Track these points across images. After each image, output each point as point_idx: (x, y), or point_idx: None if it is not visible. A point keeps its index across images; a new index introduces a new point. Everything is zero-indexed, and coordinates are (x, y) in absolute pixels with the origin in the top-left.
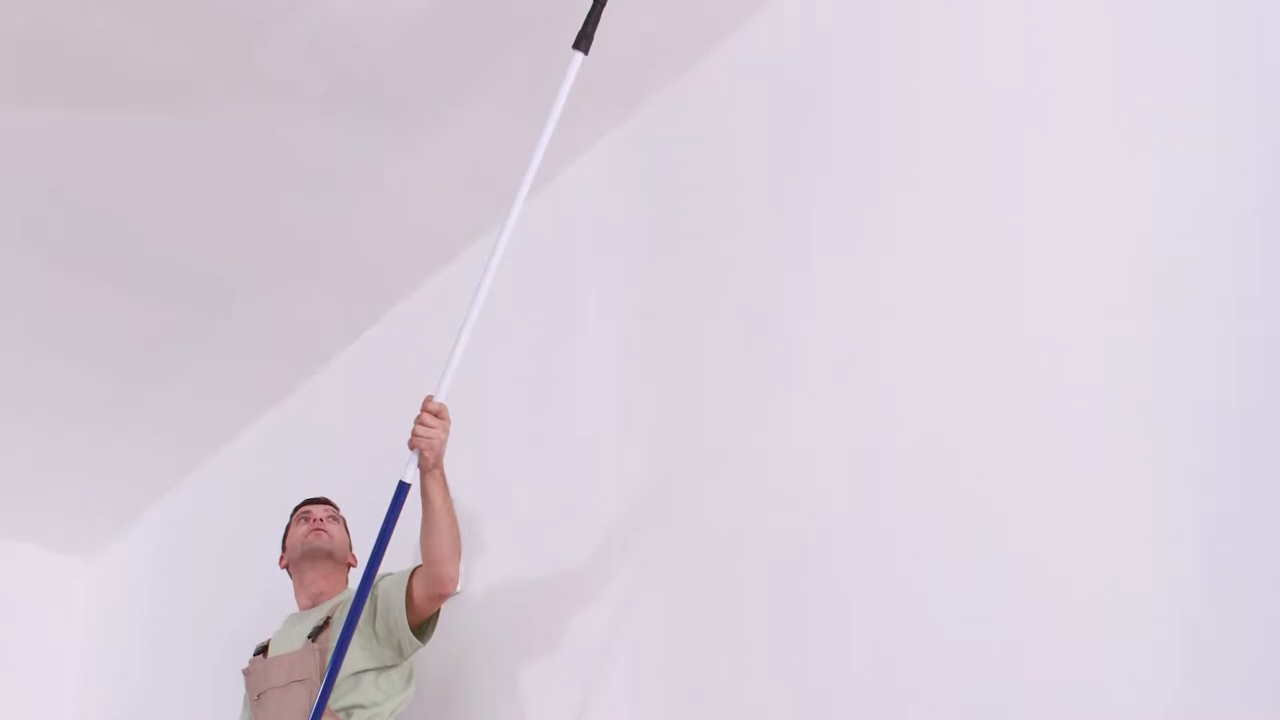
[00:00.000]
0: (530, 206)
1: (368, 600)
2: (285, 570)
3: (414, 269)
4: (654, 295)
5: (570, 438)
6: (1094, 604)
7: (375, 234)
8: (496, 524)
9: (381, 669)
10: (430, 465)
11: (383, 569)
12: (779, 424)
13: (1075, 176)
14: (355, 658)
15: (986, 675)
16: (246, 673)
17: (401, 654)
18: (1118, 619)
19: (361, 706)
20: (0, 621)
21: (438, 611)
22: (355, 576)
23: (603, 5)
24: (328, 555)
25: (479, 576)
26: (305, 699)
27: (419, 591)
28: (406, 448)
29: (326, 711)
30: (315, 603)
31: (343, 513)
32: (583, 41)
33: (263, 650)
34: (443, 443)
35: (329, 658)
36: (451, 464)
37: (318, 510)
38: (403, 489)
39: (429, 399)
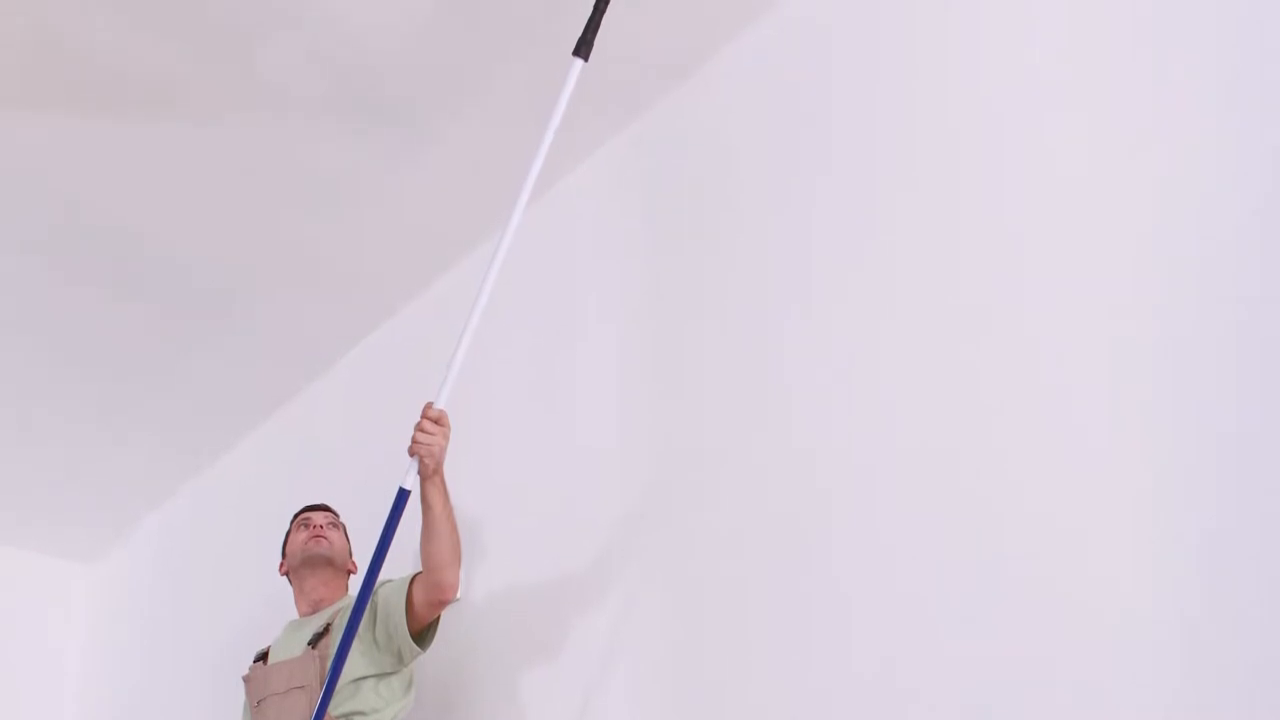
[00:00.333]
0: (530, 213)
1: (368, 607)
2: (285, 577)
3: (414, 276)
4: (654, 301)
5: (570, 444)
6: (1094, 604)
7: (375, 241)
8: (497, 530)
9: (381, 676)
10: (430, 472)
11: (383, 576)
12: (779, 429)
13: (1075, 179)
14: (355, 664)
15: (986, 676)
16: (246, 679)
17: (401, 661)
18: (1118, 619)
19: (361, 713)
20: (1, 627)
21: (438, 618)
22: (355, 583)
23: (603, 12)
24: (328, 562)
25: (479, 583)
26: (305, 706)
27: (419, 598)
28: (406, 454)
29: (327, 718)
30: (315, 609)
31: (343, 519)
32: (583, 48)
33: (263, 657)
34: (443, 449)
35: (329, 664)
36: (451, 470)
37: (318, 517)
38: (403, 496)
39: (429, 406)
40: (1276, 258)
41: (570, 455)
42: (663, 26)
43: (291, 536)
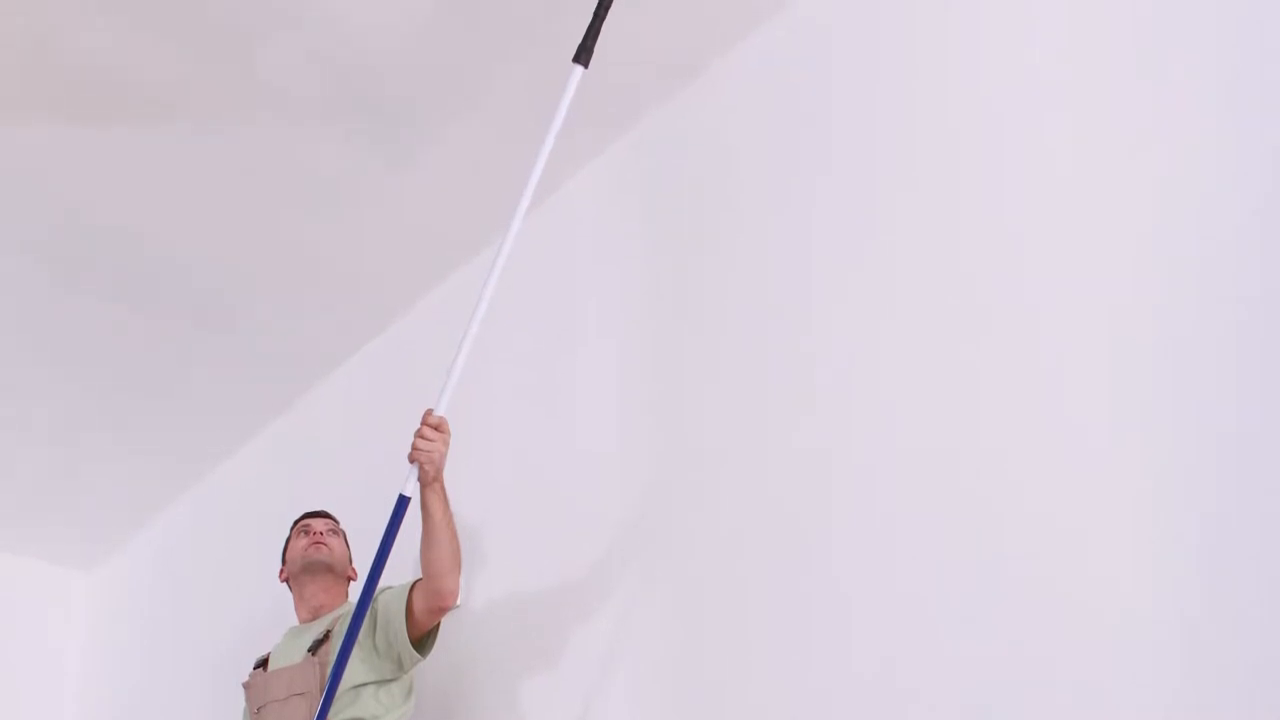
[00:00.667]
0: (530, 219)
1: (368, 614)
2: (285, 584)
3: (414, 282)
4: (654, 306)
5: (570, 450)
6: (1094, 604)
7: (375, 247)
8: (497, 537)
9: (381, 682)
10: (430, 478)
11: (383, 582)
12: (778, 432)
13: (1075, 179)
14: (355, 671)
15: (986, 676)
16: (246, 686)
17: (401, 667)
18: (1118, 619)
19: None
20: (1, 634)
21: (438, 625)
22: (355, 590)
23: (603, 19)
24: (328, 569)
25: (479, 589)
26: (305, 712)
27: (419, 605)
28: (406, 461)
29: None
30: (315, 616)
31: (343, 526)
32: (583, 55)
33: (263, 664)
34: (443, 456)
35: (329, 671)
36: (452, 477)
37: (318, 524)
38: (403, 502)
39: (429, 412)
40: (1276, 258)
41: (570, 460)
42: (663, 32)
43: (291, 543)
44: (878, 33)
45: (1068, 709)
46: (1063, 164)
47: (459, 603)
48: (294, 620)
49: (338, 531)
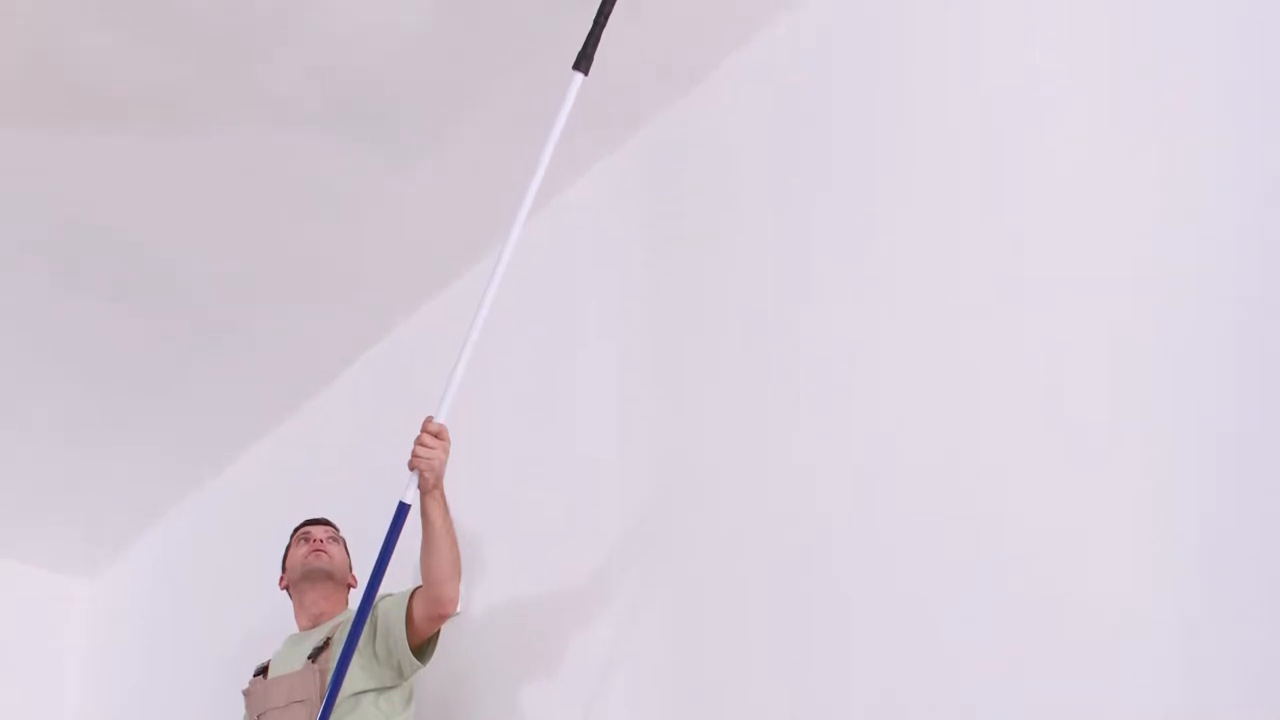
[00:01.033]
0: (531, 226)
1: (368, 621)
2: (285, 591)
3: (414, 289)
4: (654, 313)
5: (570, 457)
6: (1094, 607)
7: (376, 254)
8: (497, 544)
9: (381, 690)
10: (430, 486)
11: (383, 589)
12: (779, 439)
13: (1075, 186)
14: (355, 678)
15: (987, 681)
16: (246, 693)
17: (401, 675)
18: (1118, 622)
19: None
20: (1, 641)
21: (438, 632)
22: (355, 597)
23: (603, 26)
24: (328, 576)
25: (479, 597)
26: (305, 719)
27: (419, 612)
28: (406, 468)
29: None
30: (315, 623)
31: (343, 533)
32: (583, 62)
33: (263, 671)
34: (443, 463)
35: (329, 678)
36: (452, 484)
37: (318, 531)
38: (403, 510)
39: (429, 419)
40: (1276, 259)
41: (570, 467)
42: (662, 40)
43: (291, 550)
44: (877, 39)
45: (1068, 712)
46: (1062, 171)
47: (459, 610)
48: (294, 627)
49: (338, 539)
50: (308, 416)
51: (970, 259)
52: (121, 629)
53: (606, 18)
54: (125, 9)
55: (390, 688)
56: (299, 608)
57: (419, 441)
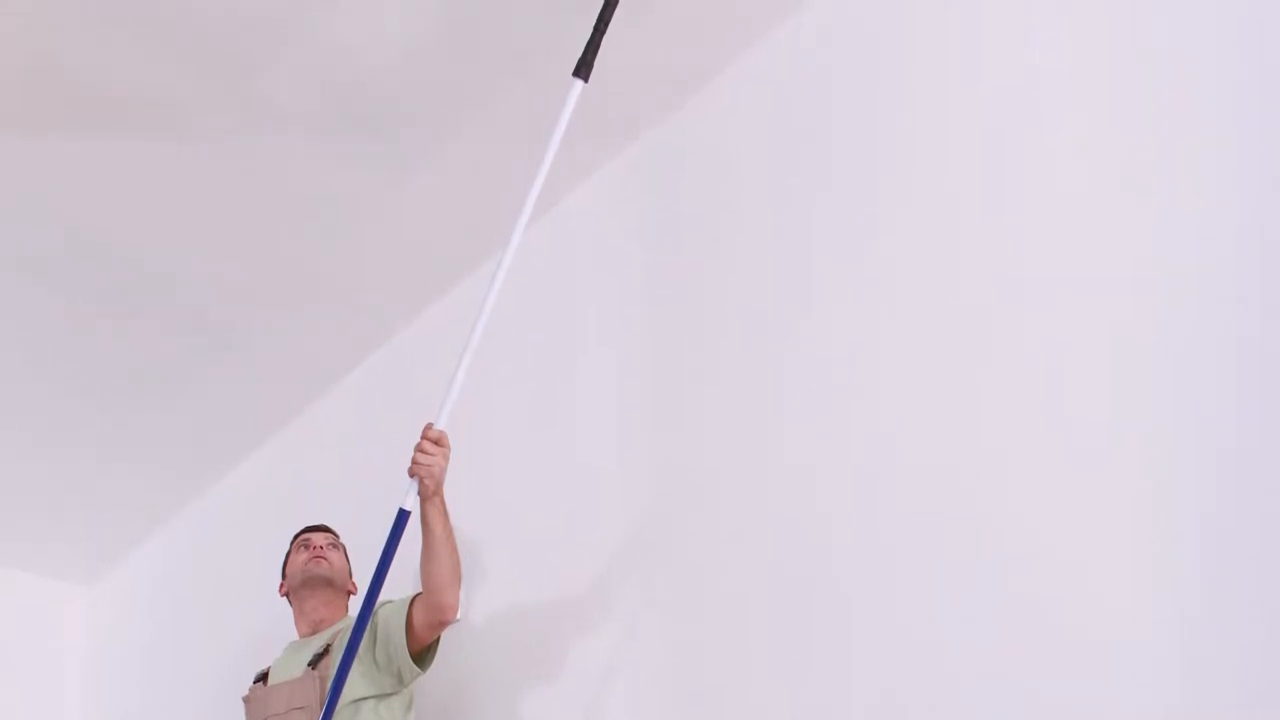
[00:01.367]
0: (530, 234)
1: (368, 628)
2: (285, 598)
3: (414, 296)
4: (654, 321)
5: (570, 464)
6: (1094, 614)
7: (375, 261)
8: (497, 551)
9: (381, 696)
10: (430, 493)
11: (383, 596)
12: (778, 448)
13: (1074, 194)
14: (355, 685)
15: (987, 687)
16: (246, 700)
17: (401, 681)
18: (1118, 629)
19: None
20: (1, 648)
21: (438, 639)
22: (355, 604)
23: (603, 33)
24: (328, 583)
25: (479, 604)
26: None
27: (419, 619)
28: (406, 475)
29: None
30: (315, 630)
31: (343, 540)
32: (583, 69)
33: (263, 678)
34: (443, 470)
35: (329, 685)
36: (451, 491)
37: (317, 538)
38: (402, 516)
39: (429, 426)
40: (1277, 259)
41: (570, 475)
42: (662, 47)
43: (291, 557)
44: (877, 46)
45: (1068, 711)
46: (1061, 174)
47: (459, 617)
48: (294, 635)
49: (338, 545)
50: (307, 423)
51: (969, 264)
52: (121, 636)
53: (606, 25)
54: (125, 17)
55: (390, 694)
56: (299, 615)
57: (419, 448)
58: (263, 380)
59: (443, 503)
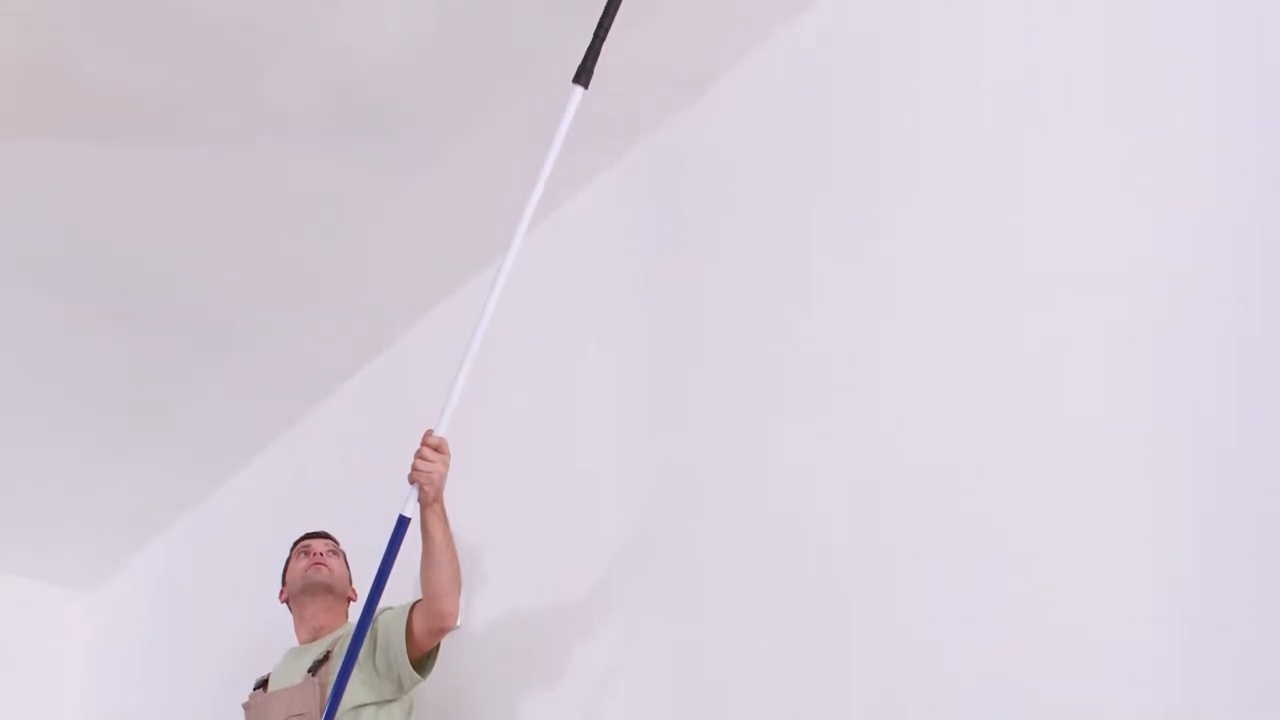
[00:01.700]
0: (531, 239)
1: (368, 634)
2: (285, 604)
3: (414, 302)
4: (654, 326)
5: (570, 470)
6: (1094, 614)
7: (375, 267)
8: (497, 557)
9: (381, 703)
10: (430, 499)
11: (383, 603)
12: (778, 452)
13: (1074, 197)
14: (355, 692)
15: (987, 691)
16: (246, 707)
17: (401, 688)
18: (1118, 629)
19: None
20: (1, 656)
21: (438, 645)
22: (355, 611)
23: (603, 39)
24: (328, 589)
25: (479, 610)
26: None
27: (419, 626)
28: (406, 482)
29: None
30: (315, 637)
31: (343, 547)
32: (583, 75)
33: (263, 684)
34: (443, 477)
35: (329, 691)
36: (452, 497)
37: (317, 544)
38: (403, 523)
39: (429, 433)
40: (1277, 259)
41: (570, 481)
42: (662, 52)
43: (291, 564)
44: (877, 50)
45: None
46: (1061, 176)
47: (459, 623)
48: (294, 641)
49: (338, 552)
50: (307, 430)
51: (969, 265)
52: (121, 643)
53: (606, 31)
54: (125, 18)
55: (390, 701)
56: (299, 621)
57: (419, 455)
58: (263, 386)
59: (443, 509)
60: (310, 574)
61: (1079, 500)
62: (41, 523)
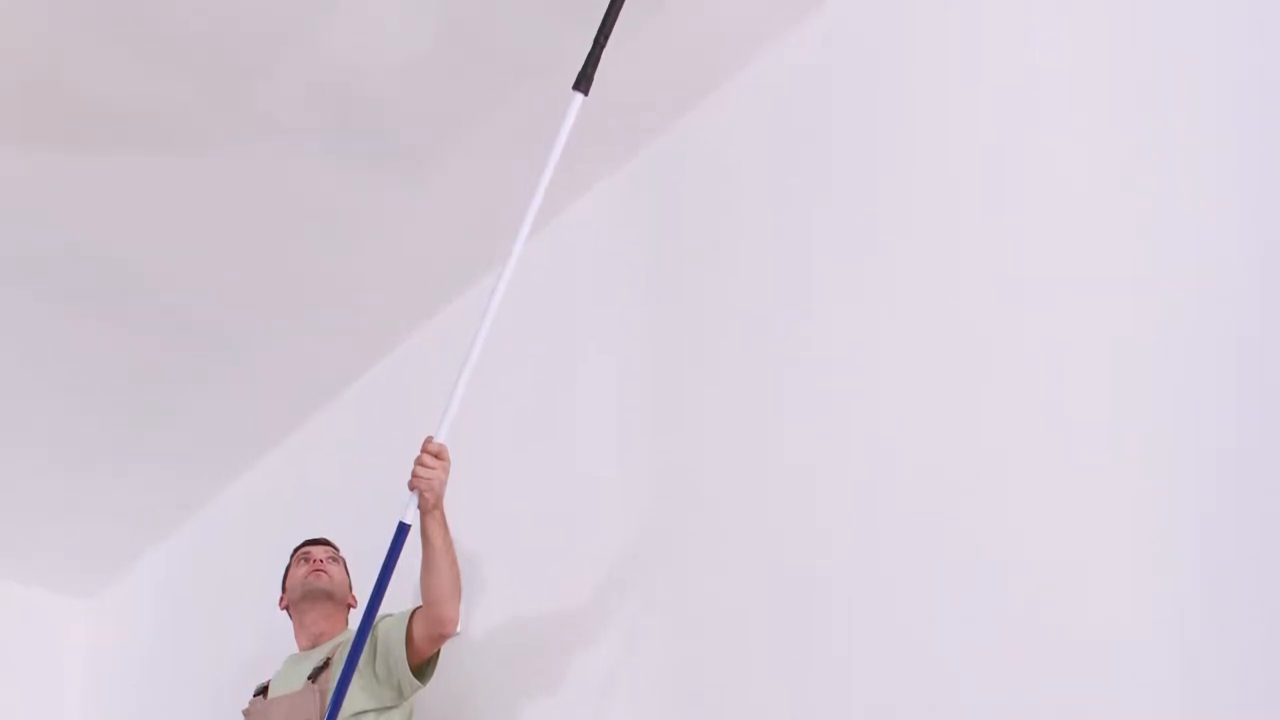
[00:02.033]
0: (530, 246)
1: (368, 641)
2: (285, 611)
3: (414, 309)
4: (653, 333)
5: (570, 476)
6: (1095, 622)
7: (375, 275)
8: (497, 563)
9: (381, 710)
10: (430, 506)
11: (383, 610)
12: (778, 458)
13: (1075, 198)
14: (355, 698)
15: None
16: (246, 714)
17: (401, 695)
18: (1118, 637)
19: None
20: (1, 662)
21: (438, 652)
22: (355, 617)
23: (603, 47)
24: (328, 596)
25: (479, 617)
26: None
27: (419, 632)
28: (406, 488)
29: None
30: (315, 643)
31: (343, 553)
32: (583, 83)
33: (263, 691)
34: (443, 483)
35: (329, 698)
36: (451, 504)
37: (318, 551)
38: (402, 530)
39: (429, 440)
40: (1276, 264)
41: (570, 488)
42: (663, 62)
43: (291, 570)
44: (877, 58)
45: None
46: (1061, 185)
47: (459, 630)
48: (294, 648)
49: (338, 559)
50: (307, 437)
51: (969, 273)
52: (121, 649)
53: (607, 38)
54: (125, 29)
55: (390, 708)
56: (299, 628)
57: (419, 462)
58: (263, 393)
59: (443, 516)
60: (310, 581)
61: (1079, 501)
62: (42, 530)
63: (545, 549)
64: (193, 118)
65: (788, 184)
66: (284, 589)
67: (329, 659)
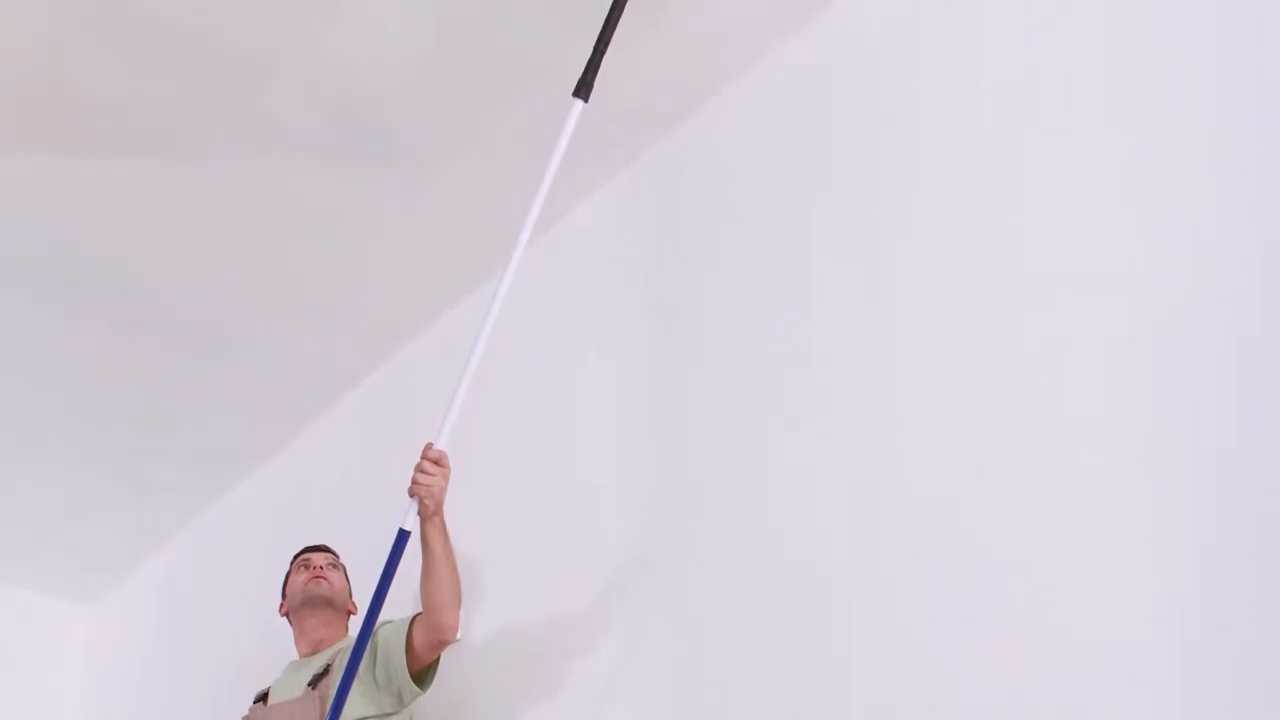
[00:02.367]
0: (531, 252)
1: (368, 648)
2: (285, 618)
3: (414, 315)
4: (654, 339)
5: (570, 481)
6: (1095, 623)
7: (376, 280)
8: (497, 570)
9: (381, 716)
10: (430, 513)
11: (383, 616)
12: (778, 464)
13: (1075, 199)
14: (355, 705)
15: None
16: None
17: (401, 701)
18: (1118, 638)
19: None
20: (1, 667)
21: (438, 659)
22: (355, 624)
23: (603, 53)
24: (328, 603)
25: (479, 622)
26: None
27: (419, 639)
28: (406, 495)
29: None
30: (315, 650)
31: (343, 560)
32: (583, 89)
33: (263, 698)
34: (443, 490)
35: (329, 705)
36: (451, 510)
37: (317, 558)
38: (402, 536)
39: (429, 446)
40: (1277, 265)
41: (570, 492)
42: (663, 68)
43: (291, 577)
44: (876, 63)
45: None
46: (1062, 187)
47: (459, 637)
48: (294, 655)
49: (338, 565)
50: (307, 443)
51: (969, 276)
52: (121, 655)
53: (607, 45)
54: (125, 30)
55: (390, 714)
56: (299, 634)
57: (419, 468)
58: (263, 399)
59: (443, 522)
60: (310, 587)
61: (1079, 501)
62: (42, 535)
63: (545, 554)
64: (192, 118)
65: (788, 188)
66: (284, 595)
67: (329, 666)
